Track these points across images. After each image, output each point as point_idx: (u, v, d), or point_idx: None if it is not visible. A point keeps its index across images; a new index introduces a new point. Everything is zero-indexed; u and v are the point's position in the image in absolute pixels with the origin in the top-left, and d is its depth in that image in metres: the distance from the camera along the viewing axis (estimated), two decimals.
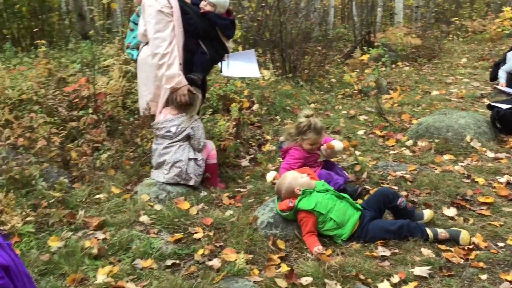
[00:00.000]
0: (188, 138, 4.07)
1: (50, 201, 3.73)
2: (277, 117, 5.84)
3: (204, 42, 4.07)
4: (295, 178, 3.52)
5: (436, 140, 4.88)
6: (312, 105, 6.31)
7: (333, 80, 7.80)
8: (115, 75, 5.99)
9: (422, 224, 3.33)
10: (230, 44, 4.33)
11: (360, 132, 5.41)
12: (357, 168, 4.34)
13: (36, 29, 8.53)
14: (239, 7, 9.43)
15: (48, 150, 4.43)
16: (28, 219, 3.46)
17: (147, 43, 4.09)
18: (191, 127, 4.06)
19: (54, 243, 3.27)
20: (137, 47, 4.36)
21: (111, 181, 4.10)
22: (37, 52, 7.55)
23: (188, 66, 4.03)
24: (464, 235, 3.16)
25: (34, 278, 2.93)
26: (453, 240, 3.18)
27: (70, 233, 3.41)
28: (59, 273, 3.02)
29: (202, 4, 4.07)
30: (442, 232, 3.22)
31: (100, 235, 3.40)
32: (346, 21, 13.43)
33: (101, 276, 2.93)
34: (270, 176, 3.98)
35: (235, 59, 4.55)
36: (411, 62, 10.09)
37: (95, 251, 3.18)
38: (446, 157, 4.61)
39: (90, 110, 5.01)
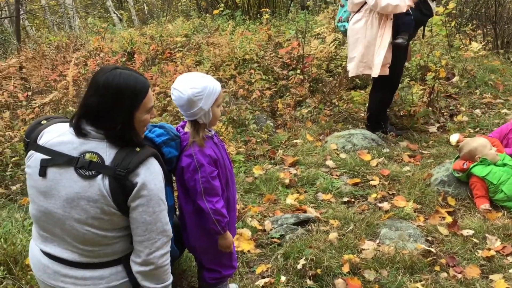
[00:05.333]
0: None
1: (258, 140, 4.58)
2: (477, 90, 5.76)
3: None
4: (484, 146, 3.62)
5: None
6: None
7: None
8: (328, 40, 6.62)
9: None
10: (434, 6, 4.47)
11: None
12: None
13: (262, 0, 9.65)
14: None
15: (260, 100, 5.31)
16: (240, 150, 4.37)
17: (356, 12, 4.53)
18: None
19: (257, 171, 4.09)
20: (347, 20, 4.83)
21: (307, 131, 4.77)
22: (261, 20, 8.65)
23: (393, 29, 4.30)
24: None
25: (240, 193, 3.78)
26: None
27: (270, 166, 4.20)
28: (258, 193, 3.83)
29: None
30: None
31: (293, 170, 4.10)
32: None
33: (289, 200, 3.64)
34: (454, 138, 4.06)
35: None
36: None
37: (287, 181, 3.90)
38: None
39: (299, 71, 5.75)
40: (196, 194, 2.19)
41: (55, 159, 1.82)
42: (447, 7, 6.79)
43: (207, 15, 9.33)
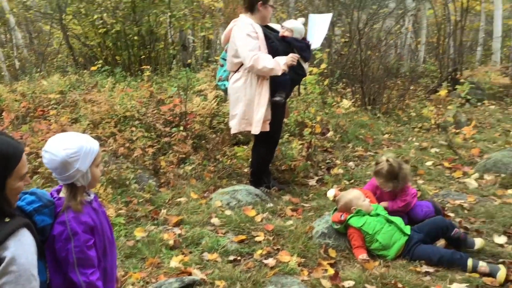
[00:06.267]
0: None
1: (140, 200, 4.40)
2: (349, 144, 6.18)
3: None
4: (358, 198, 3.83)
5: (503, 175, 4.95)
6: (386, 136, 6.56)
7: (413, 114, 7.97)
8: (210, 97, 6.72)
9: (466, 255, 3.42)
10: (307, 66, 4.79)
11: (429, 163, 5.58)
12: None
13: (143, 57, 9.62)
14: (330, 42, 9.96)
15: (142, 159, 5.15)
16: (120, 212, 4.15)
17: (235, 72, 4.67)
18: None
19: (139, 233, 3.89)
20: (227, 79, 4.96)
21: (191, 188, 4.70)
22: (142, 76, 8.57)
23: (271, 87, 4.52)
24: (501, 273, 3.19)
25: (120, 259, 3.54)
26: (491, 276, 3.22)
27: (153, 227, 4.02)
28: (140, 257, 3.62)
29: (281, 30, 4.62)
30: (482, 266, 3.29)
31: (177, 230, 3.97)
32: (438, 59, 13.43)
33: (174, 263, 3.48)
34: (330, 193, 4.32)
35: (313, 24, 4.87)
36: (497, 101, 10.00)
37: (171, 242, 3.75)
38: (510, 191, 4.67)
39: (181, 128, 5.71)
40: (68, 266, 1.99)
41: None
42: (320, 67, 7.32)
43: (85, 71, 9.04)
